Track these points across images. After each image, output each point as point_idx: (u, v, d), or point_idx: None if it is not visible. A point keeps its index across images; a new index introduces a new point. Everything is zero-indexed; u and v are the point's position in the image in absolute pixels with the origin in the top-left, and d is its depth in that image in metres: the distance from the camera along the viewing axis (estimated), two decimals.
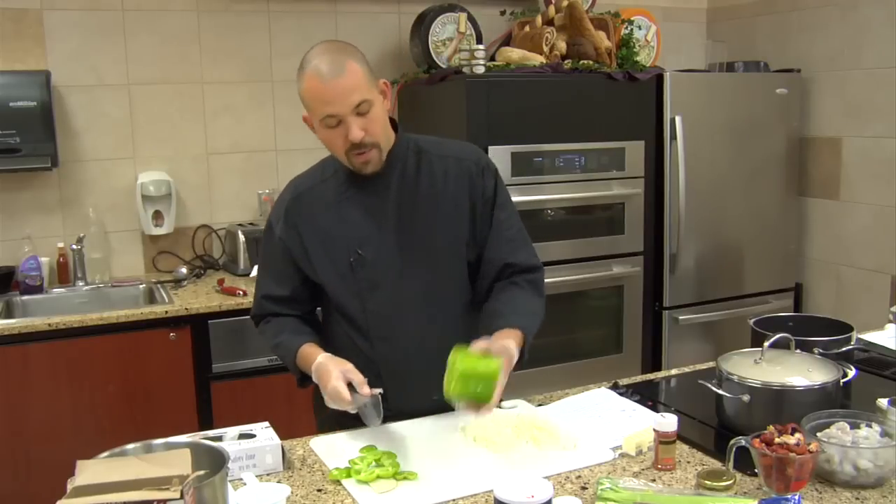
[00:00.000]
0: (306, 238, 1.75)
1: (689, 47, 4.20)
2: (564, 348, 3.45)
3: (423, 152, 1.76)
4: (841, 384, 1.61)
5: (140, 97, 3.34)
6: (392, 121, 1.74)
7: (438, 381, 1.56)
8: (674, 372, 2.12)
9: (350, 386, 1.58)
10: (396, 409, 1.70)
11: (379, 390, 1.60)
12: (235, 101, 3.49)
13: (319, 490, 1.46)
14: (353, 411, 1.61)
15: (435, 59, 3.43)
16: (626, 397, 1.85)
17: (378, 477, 1.45)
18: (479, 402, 1.49)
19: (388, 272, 1.72)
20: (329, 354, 1.68)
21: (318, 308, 1.90)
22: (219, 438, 1.54)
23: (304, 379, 1.76)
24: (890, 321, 2.26)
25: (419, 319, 1.74)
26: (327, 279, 1.76)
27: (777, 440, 1.37)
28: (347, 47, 1.64)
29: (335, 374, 1.59)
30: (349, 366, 1.63)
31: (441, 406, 1.72)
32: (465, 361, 1.47)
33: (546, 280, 1.85)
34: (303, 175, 1.83)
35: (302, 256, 1.76)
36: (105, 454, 1.27)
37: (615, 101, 3.37)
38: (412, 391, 1.71)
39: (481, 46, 3.19)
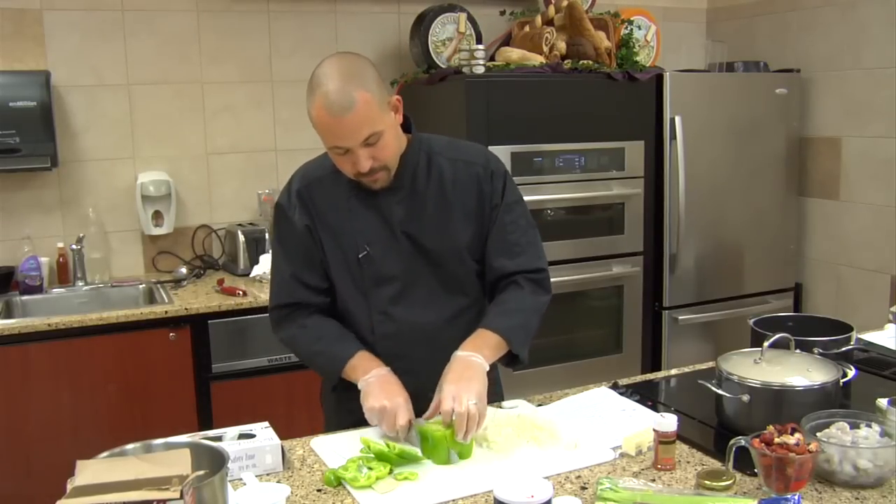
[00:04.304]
0: (319, 228, 1.76)
1: (688, 47, 4.20)
2: (564, 348, 3.45)
3: (434, 154, 1.76)
4: (841, 384, 1.61)
5: (140, 97, 3.34)
6: (406, 119, 1.74)
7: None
8: (673, 372, 2.12)
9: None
10: None
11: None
12: (235, 101, 3.49)
13: (319, 490, 1.46)
14: (389, 434, 1.62)
15: (435, 59, 3.43)
16: (626, 397, 1.85)
17: (378, 479, 1.45)
18: (460, 454, 1.56)
19: (393, 271, 1.74)
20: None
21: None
22: (218, 438, 1.54)
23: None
24: (890, 321, 2.26)
25: (423, 319, 1.76)
26: (336, 272, 1.77)
27: (777, 440, 1.37)
28: (359, 69, 1.60)
29: (405, 406, 1.62)
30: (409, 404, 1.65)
31: None
32: (424, 432, 1.56)
33: None
34: (314, 162, 1.82)
35: (318, 246, 1.77)
36: (105, 454, 1.27)
37: (615, 101, 3.37)
38: (414, 391, 1.70)
39: (481, 46, 3.19)
